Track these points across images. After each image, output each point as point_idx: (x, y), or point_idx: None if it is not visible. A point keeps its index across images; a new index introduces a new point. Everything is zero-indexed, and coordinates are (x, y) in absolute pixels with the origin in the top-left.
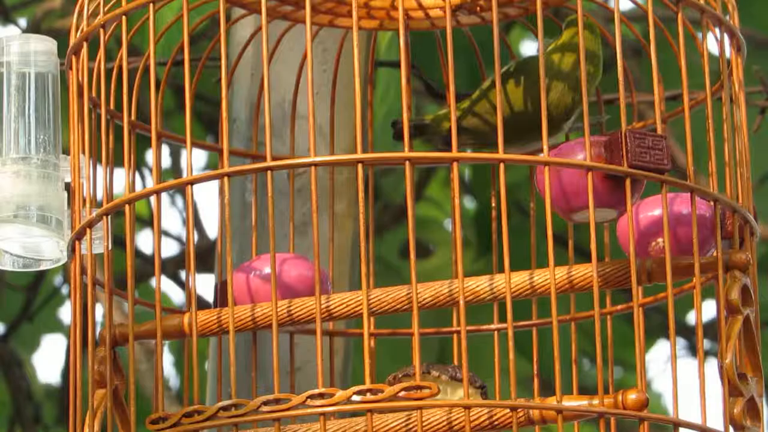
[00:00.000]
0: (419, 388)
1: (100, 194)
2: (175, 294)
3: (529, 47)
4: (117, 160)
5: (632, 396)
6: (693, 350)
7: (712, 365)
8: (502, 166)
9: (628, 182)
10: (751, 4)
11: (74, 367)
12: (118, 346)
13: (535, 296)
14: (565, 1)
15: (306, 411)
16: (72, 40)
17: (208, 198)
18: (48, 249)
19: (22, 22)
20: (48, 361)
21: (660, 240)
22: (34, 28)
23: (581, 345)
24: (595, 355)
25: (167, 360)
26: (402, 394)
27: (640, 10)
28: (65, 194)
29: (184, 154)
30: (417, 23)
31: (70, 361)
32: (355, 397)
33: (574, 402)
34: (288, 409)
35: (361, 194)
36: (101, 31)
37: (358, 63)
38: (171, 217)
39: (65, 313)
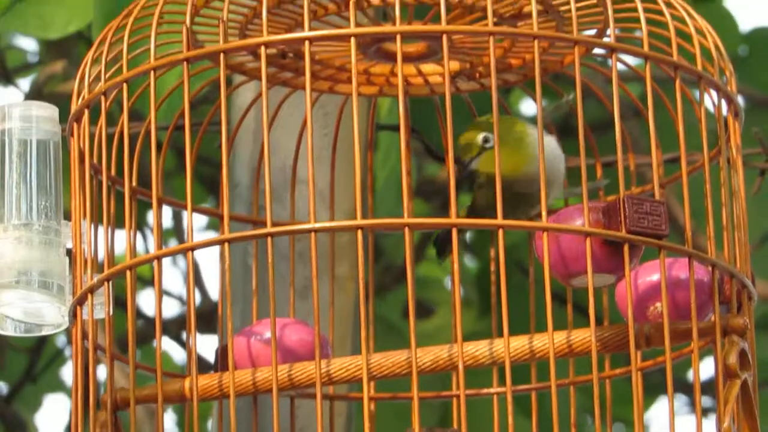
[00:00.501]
0: None
1: (101, 258)
2: (178, 354)
3: (529, 106)
4: (118, 224)
5: None
6: (693, 407)
7: (711, 423)
8: (500, 232)
9: (626, 248)
10: (752, 62)
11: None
12: (119, 410)
13: (534, 360)
14: (564, 67)
15: None
16: (73, 107)
17: (209, 258)
18: (50, 314)
19: (23, 84)
20: (51, 421)
21: (658, 304)
22: (36, 91)
23: (581, 403)
24: (593, 412)
25: (170, 418)
26: None
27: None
28: (67, 260)
29: (185, 215)
30: (416, 89)
31: (71, 425)
32: None
33: None
34: None
35: (360, 259)
36: (102, 98)
37: (357, 131)
38: (172, 277)
39: (68, 373)
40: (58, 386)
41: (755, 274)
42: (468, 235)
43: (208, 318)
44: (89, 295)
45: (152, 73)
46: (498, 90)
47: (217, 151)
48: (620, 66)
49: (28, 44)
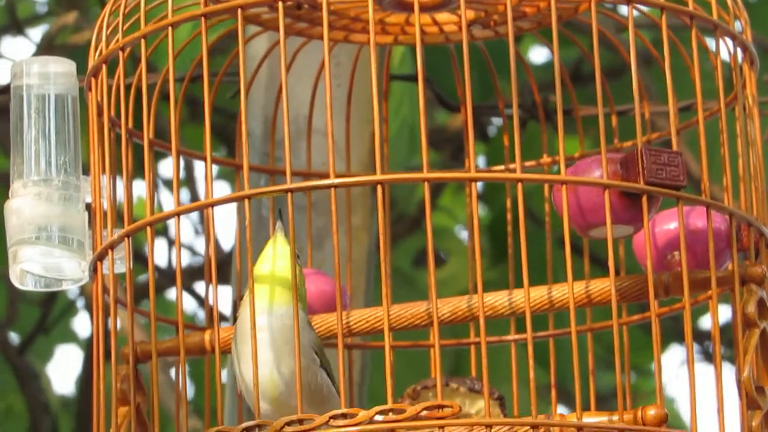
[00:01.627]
0: (441, 407)
1: (119, 211)
2: (189, 305)
3: (539, 53)
4: (136, 176)
5: (651, 412)
6: (705, 354)
7: (728, 372)
8: (520, 185)
9: (644, 199)
10: (762, 10)
11: (97, 386)
12: (140, 363)
13: (554, 311)
14: (578, 14)
15: (329, 431)
16: (90, 61)
17: (221, 209)
18: (69, 269)
19: (34, 34)
20: (63, 371)
21: (676, 253)
22: (47, 43)
23: (595, 351)
24: (609, 361)
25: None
26: (424, 413)
27: (652, 16)
28: (86, 215)
29: (197, 164)
30: (431, 38)
31: (92, 379)
32: (378, 417)
33: (594, 418)
34: (311, 430)
35: (380, 214)
36: (120, 53)
37: (376, 85)
38: (184, 227)
39: (79, 324)
40: (70, 337)
41: None
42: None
43: (220, 268)
44: (110, 251)
45: (170, 28)
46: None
47: (229, 102)
48: (634, 12)
49: None
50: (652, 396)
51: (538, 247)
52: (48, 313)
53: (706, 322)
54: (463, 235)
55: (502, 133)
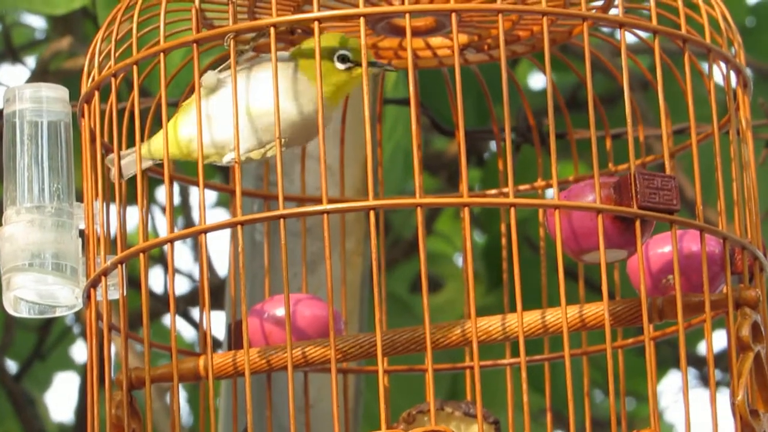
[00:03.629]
0: None
1: (113, 237)
2: (186, 331)
3: (537, 79)
4: (129, 202)
5: None
6: (704, 380)
7: (723, 396)
8: (513, 210)
9: (638, 224)
10: (759, 34)
11: (92, 412)
12: (134, 389)
13: (547, 335)
14: (571, 36)
15: None
16: (83, 88)
17: (217, 235)
18: (63, 296)
19: (31, 61)
20: (61, 399)
21: (671, 277)
22: (42, 68)
23: (593, 377)
24: (606, 386)
25: (180, 396)
26: None
27: (647, 41)
28: (80, 241)
29: (193, 191)
30: (425, 62)
31: (87, 406)
32: None
33: None
34: None
35: (373, 240)
36: (113, 79)
37: (368, 112)
38: (180, 253)
39: (77, 351)
40: (68, 364)
41: (766, 246)
42: (475, 210)
43: (215, 294)
44: (103, 278)
45: (162, 55)
46: (506, 61)
47: None
48: (630, 37)
49: (35, 22)
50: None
51: (535, 273)
52: (44, 339)
53: (702, 348)
54: (461, 261)
55: (497, 157)
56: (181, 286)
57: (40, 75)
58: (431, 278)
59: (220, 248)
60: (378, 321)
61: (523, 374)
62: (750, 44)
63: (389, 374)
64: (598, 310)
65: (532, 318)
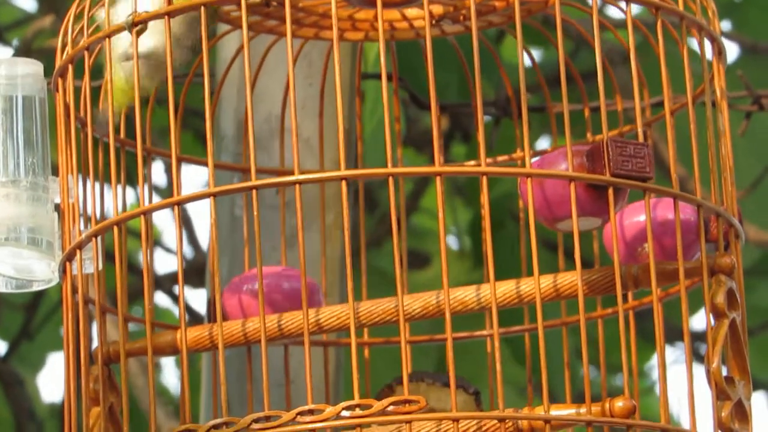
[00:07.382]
0: (408, 402)
1: (90, 212)
2: (176, 309)
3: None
4: (108, 178)
5: (619, 404)
6: (695, 355)
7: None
8: (484, 179)
9: (611, 191)
10: (747, 10)
11: (68, 386)
12: (111, 363)
13: (523, 305)
14: (547, 6)
15: (296, 428)
16: (57, 62)
17: (202, 212)
18: (40, 270)
19: (16, 42)
20: (53, 380)
21: (646, 245)
22: (24, 48)
23: (574, 348)
24: (591, 358)
25: (172, 373)
26: (391, 408)
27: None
28: (55, 215)
29: (184, 170)
30: (402, 33)
31: (65, 380)
32: (345, 413)
33: (561, 411)
34: (278, 426)
35: (345, 210)
36: (86, 53)
37: (339, 81)
38: (170, 233)
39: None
40: (60, 345)
41: (746, 219)
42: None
43: (201, 271)
44: (78, 251)
45: (134, 30)
46: (485, 33)
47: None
48: (615, 11)
49: (22, 2)
50: (639, 395)
51: (519, 247)
52: (32, 318)
53: (692, 323)
54: (448, 237)
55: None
56: (172, 265)
57: (23, 54)
58: (419, 254)
59: (206, 227)
60: (350, 290)
61: (496, 343)
62: (738, 20)
63: (370, 346)
64: (572, 279)
65: (507, 288)
